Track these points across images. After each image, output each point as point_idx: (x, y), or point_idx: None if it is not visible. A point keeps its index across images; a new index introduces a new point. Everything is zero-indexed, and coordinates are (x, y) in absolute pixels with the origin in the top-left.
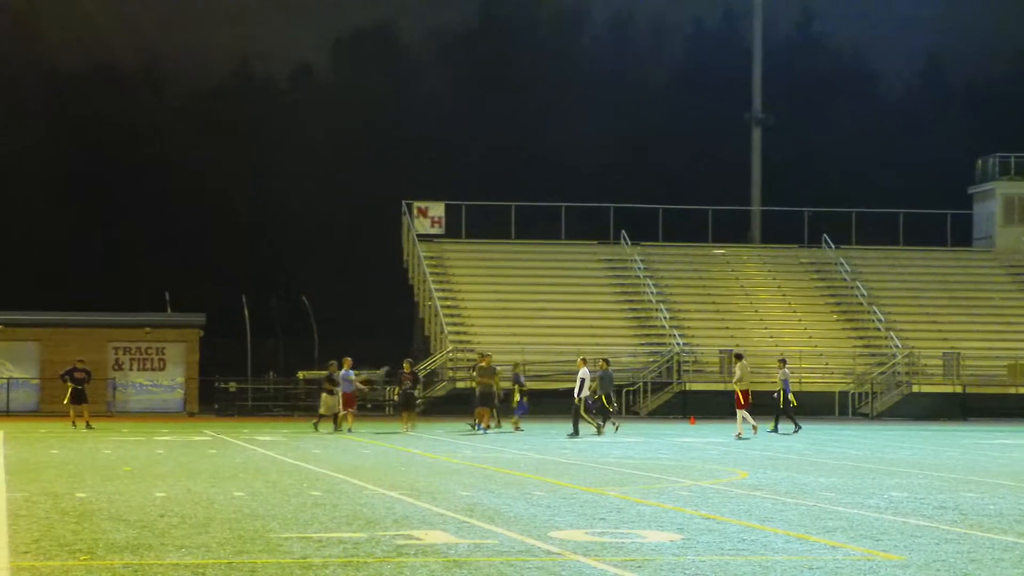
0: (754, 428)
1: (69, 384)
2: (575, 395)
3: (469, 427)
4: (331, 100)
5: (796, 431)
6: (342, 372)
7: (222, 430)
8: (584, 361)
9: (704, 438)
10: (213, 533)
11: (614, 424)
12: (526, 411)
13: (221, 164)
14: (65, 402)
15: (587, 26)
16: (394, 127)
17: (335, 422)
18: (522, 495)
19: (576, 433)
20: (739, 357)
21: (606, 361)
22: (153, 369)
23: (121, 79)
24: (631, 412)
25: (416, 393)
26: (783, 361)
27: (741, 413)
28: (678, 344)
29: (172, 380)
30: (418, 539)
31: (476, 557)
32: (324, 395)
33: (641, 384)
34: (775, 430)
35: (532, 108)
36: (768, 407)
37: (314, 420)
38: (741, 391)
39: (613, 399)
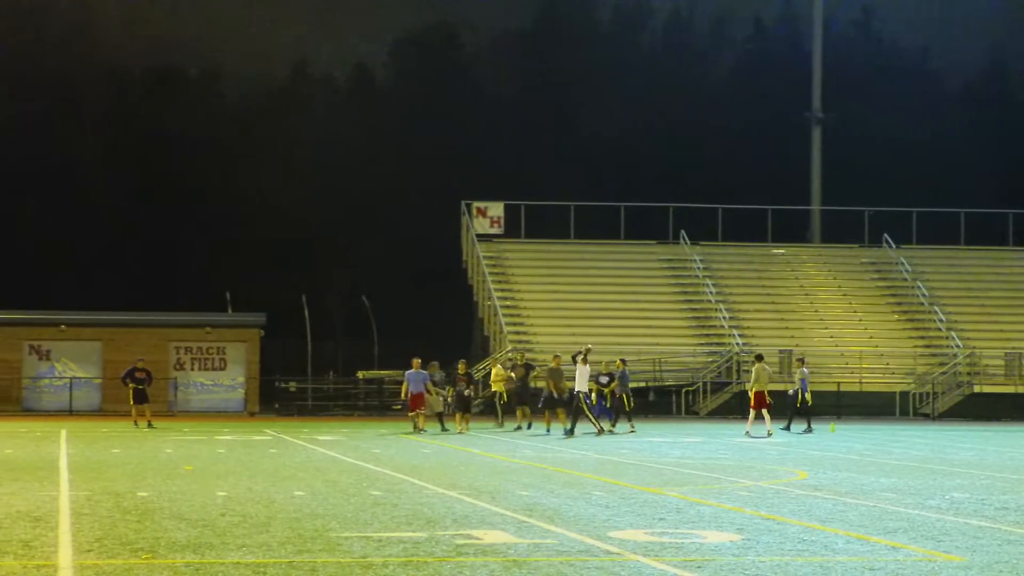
0: (769, 432)
1: (131, 385)
2: (575, 393)
3: (514, 428)
4: (390, 100)
5: (806, 431)
6: (409, 372)
7: (282, 430)
8: (582, 360)
9: (762, 438)
10: (274, 532)
11: (631, 424)
12: (603, 412)
13: (280, 164)
14: (131, 402)
15: (646, 25)
16: (453, 127)
17: (440, 421)
18: (582, 495)
19: (571, 432)
20: (759, 358)
21: (623, 361)
22: (214, 369)
23: (181, 80)
24: (690, 412)
25: (470, 394)
26: (801, 360)
27: (758, 413)
28: (737, 344)
29: (233, 380)
30: (478, 539)
31: (535, 557)
32: (428, 396)
33: (700, 384)
34: (788, 428)
35: (591, 108)
36: (786, 406)
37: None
38: (756, 392)
39: (631, 398)
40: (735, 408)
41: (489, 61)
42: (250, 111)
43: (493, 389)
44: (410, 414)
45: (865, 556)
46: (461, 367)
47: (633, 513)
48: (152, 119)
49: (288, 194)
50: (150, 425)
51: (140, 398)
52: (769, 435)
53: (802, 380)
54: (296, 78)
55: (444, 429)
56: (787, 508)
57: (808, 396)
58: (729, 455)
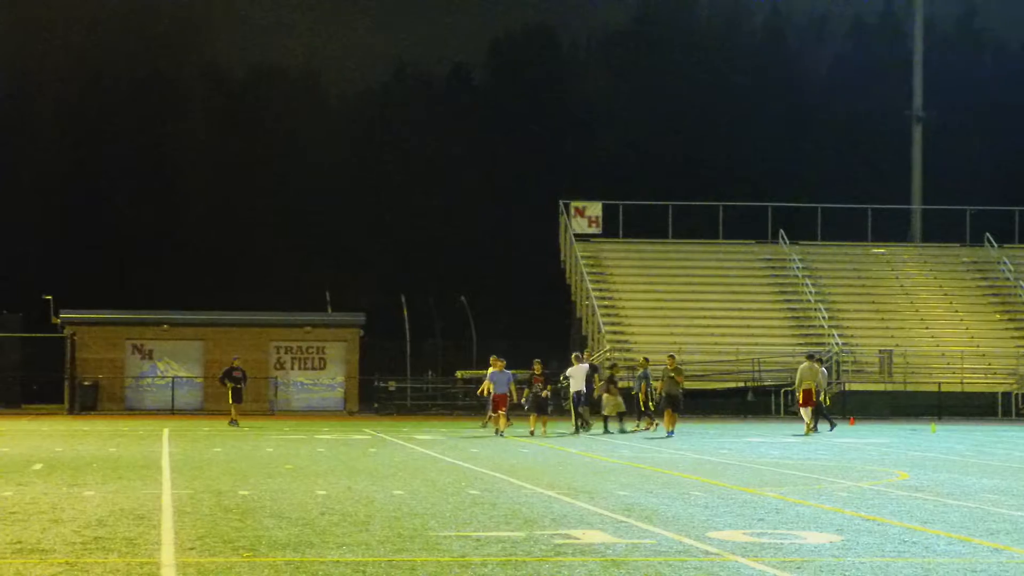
0: (807, 430)
1: (229, 384)
2: (571, 392)
3: (619, 429)
4: (489, 100)
5: (831, 429)
6: (492, 372)
7: (381, 429)
8: (578, 359)
9: (863, 439)
10: (373, 531)
11: (653, 423)
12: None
13: (380, 165)
14: (230, 401)
15: (745, 24)
16: (551, 127)
17: (620, 421)
18: (680, 495)
19: (585, 427)
20: (810, 357)
21: (646, 359)
22: (314, 368)
23: (281, 80)
24: (789, 412)
25: (547, 395)
26: (820, 360)
27: (807, 411)
28: (837, 344)
29: (332, 379)
30: (576, 538)
31: (634, 557)
32: (605, 396)
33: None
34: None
35: (689, 107)
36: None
37: (601, 420)
38: (804, 390)
39: (652, 396)
40: (834, 409)
41: (587, 61)
42: (349, 111)
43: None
44: (491, 414)
45: (967, 558)
46: (537, 367)
47: (732, 513)
48: (252, 119)
49: (386, 194)
50: (235, 423)
51: (236, 397)
52: (806, 433)
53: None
54: (395, 79)
55: (608, 431)
56: (887, 509)
57: (825, 397)
58: (828, 455)
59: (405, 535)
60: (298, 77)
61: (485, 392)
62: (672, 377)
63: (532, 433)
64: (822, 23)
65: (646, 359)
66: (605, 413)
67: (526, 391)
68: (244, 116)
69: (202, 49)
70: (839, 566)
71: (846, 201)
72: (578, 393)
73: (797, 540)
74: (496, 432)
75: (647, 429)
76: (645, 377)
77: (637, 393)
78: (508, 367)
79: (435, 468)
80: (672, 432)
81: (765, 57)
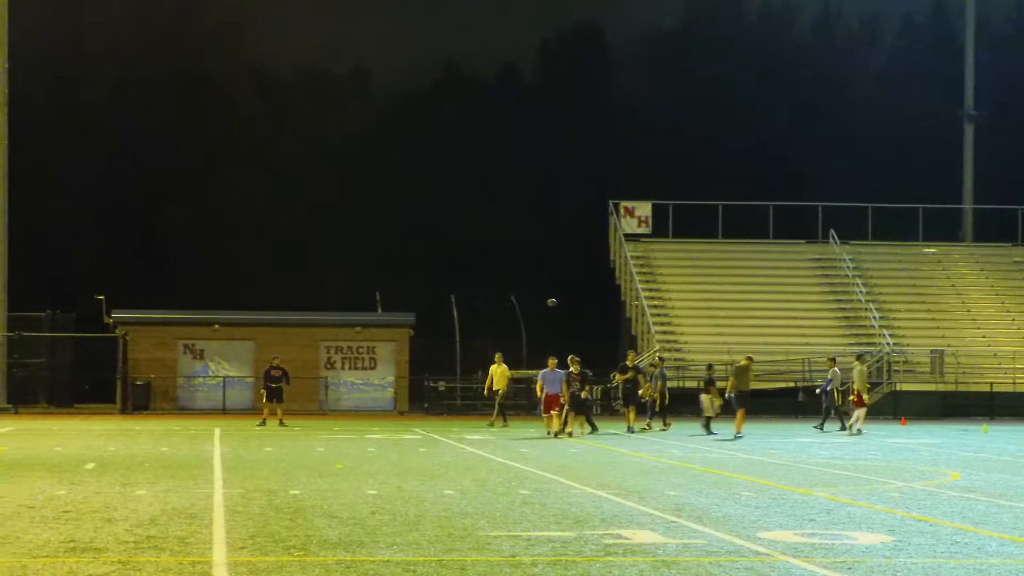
0: (859, 430)
1: (269, 385)
2: (569, 393)
3: (626, 430)
4: (538, 100)
5: (841, 430)
6: (544, 372)
7: (431, 428)
8: (573, 360)
9: (915, 439)
10: (423, 531)
11: (665, 423)
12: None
13: (429, 165)
14: (263, 401)
15: (794, 23)
16: (601, 127)
17: (707, 422)
18: (730, 495)
19: (594, 428)
20: (859, 357)
21: (661, 359)
22: (364, 368)
23: (330, 81)
24: (841, 412)
25: (585, 395)
26: (833, 359)
27: (860, 411)
28: (888, 344)
29: (382, 379)
30: (626, 539)
31: (684, 557)
32: (704, 396)
33: (850, 384)
34: (821, 428)
35: (738, 107)
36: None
37: (701, 422)
38: (857, 391)
39: (667, 396)
40: (886, 408)
41: (636, 60)
42: (397, 110)
43: (495, 388)
44: (544, 415)
45: (1020, 559)
46: (574, 366)
47: (782, 514)
48: (299, 118)
49: (435, 194)
50: (280, 422)
51: (274, 396)
52: (858, 432)
53: (828, 380)
54: (444, 78)
55: (710, 432)
56: (939, 510)
57: (838, 396)
58: (879, 456)
59: (455, 535)
60: (345, 76)
61: (538, 392)
62: (742, 377)
63: (571, 434)
64: (872, 22)
65: (661, 358)
66: (707, 414)
67: (564, 389)
68: (291, 115)
69: (248, 48)
70: (890, 567)
71: (897, 200)
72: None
73: (848, 541)
74: (548, 433)
75: (663, 429)
76: (661, 376)
77: (654, 393)
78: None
79: (485, 468)
80: (740, 434)
81: (815, 56)
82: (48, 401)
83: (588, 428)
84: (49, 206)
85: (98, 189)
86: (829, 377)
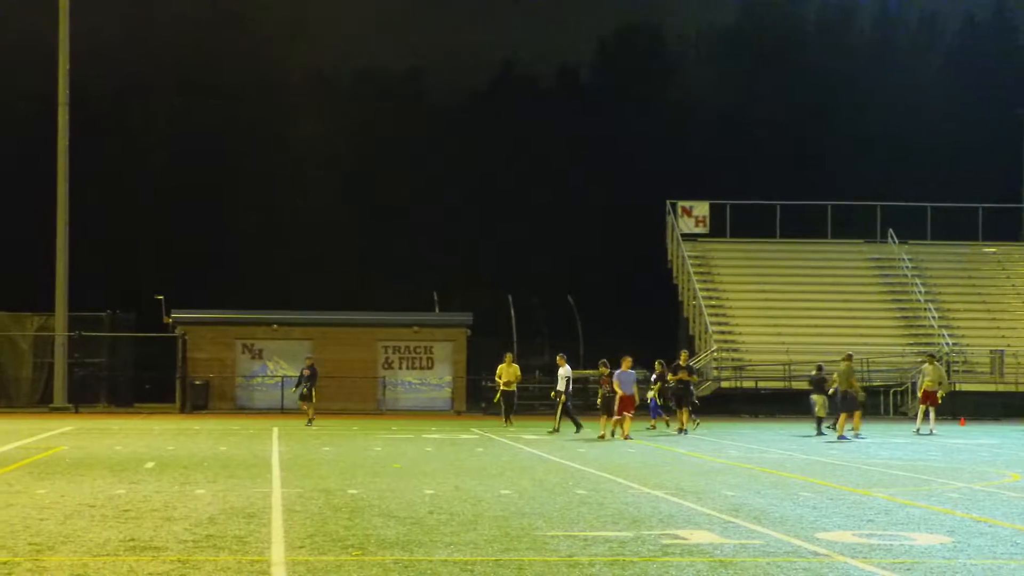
0: (917, 430)
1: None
2: (561, 392)
3: (677, 431)
4: (595, 100)
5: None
6: (619, 372)
7: (489, 428)
8: (563, 359)
9: (974, 439)
10: (481, 530)
11: (668, 423)
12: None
13: (486, 166)
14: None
15: (852, 22)
16: (658, 126)
17: (825, 424)
18: (788, 496)
19: (578, 427)
20: (931, 356)
21: (661, 363)
22: (421, 368)
23: (385, 80)
24: (899, 413)
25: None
26: (849, 357)
27: (926, 407)
28: (947, 344)
29: (440, 379)
30: (684, 539)
31: (742, 558)
32: (816, 396)
33: (909, 384)
34: (833, 427)
35: (796, 106)
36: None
37: (813, 423)
38: (927, 389)
39: (667, 396)
40: (945, 409)
41: (693, 59)
42: (453, 111)
43: (502, 388)
44: (616, 417)
45: None
46: (602, 368)
47: (841, 514)
48: (355, 119)
49: (492, 194)
50: (310, 423)
51: (302, 396)
52: (931, 432)
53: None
54: (501, 79)
55: (821, 432)
56: (999, 511)
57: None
58: (939, 456)
59: (513, 534)
60: (402, 78)
61: (615, 391)
62: (847, 377)
63: (602, 437)
64: (932, 20)
65: (661, 362)
66: (818, 415)
67: (600, 391)
68: (347, 116)
69: (305, 51)
70: (950, 568)
71: (956, 200)
72: (568, 394)
73: (907, 541)
74: (611, 435)
75: (671, 427)
76: (661, 379)
77: (654, 395)
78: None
79: (542, 468)
80: (860, 434)
81: (874, 55)
82: (108, 401)
83: (610, 429)
84: (110, 206)
85: (158, 189)
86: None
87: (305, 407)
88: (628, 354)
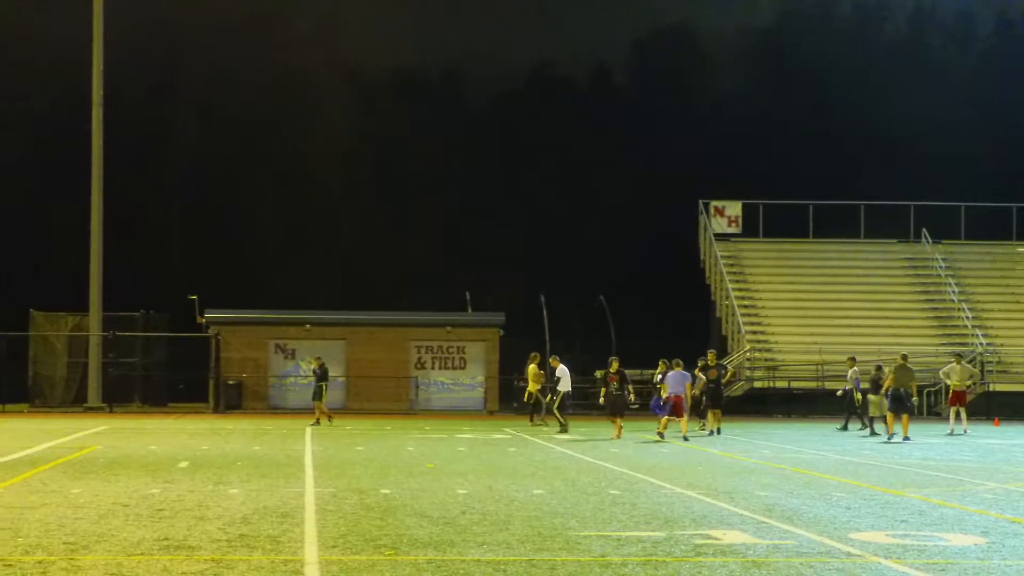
0: (952, 430)
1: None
2: (552, 392)
3: (707, 433)
4: (629, 99)
5: (863, 429)
6: (670, 373)
7: (521, 428)
8: (557, 360)
9: (1009, 440)
10: (513, 530)
11: (702, 425)
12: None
13: (519, 164)
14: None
15: (887, 21)
16: (691, 126)
17: (883, 424)
18: (821, 496)
19: (565, 428)
20: (959, 356)
21: (665, 362)
22: (454, 368)
23: (421, 82)
24: (932, 413)
25: (625, 395)
26: (853, 359)
27: (956, 409)
28: (981, 344)
29: (472, 379)
30: (716, 539)
31: (775, 558)
32: (872, 396)
33: (942, 385)
34: (845, 428)
35: (829, 105)
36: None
37: (862, 423)
38: (956, 390)
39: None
40: (978, 409)
41: (727, 58)
42: (489, 111)
43: (529, 389)
44: (665, 419)
45: None
46: (613, 365)
47: (874, 515)
48: (390, 120)
49: (525, 194)
50: (318, 423)
51: (313, 394)
52: (964, 432)
53: (856, 380)
54: (536, 79)
55: (874, 433)
56: None
57: (859, 396)
58: (973, 457)
59: (545, 534)
60: (437, 78)
61: (663, 394)
62: (903, 375)
63: (613, 438)
64: (967, 19)
65: (664, 362)
66: (872, 415)
67: (603, 390)
68: (381, 117)
69: (339, 50)
70: (984, 569)
71: (990, 199)
72: (567, 394)
73: (941, 542)
74: (660, 436)
75: (702, 429)
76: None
77: (695, 391)
78: (631, 368)
79: (575, 468)
80: (908, 437)
81: (908, 54)
82: (142, 400)
83: (618, 432)
84: (144, 206)
85: (191, 189)
86: (853, 377)
87: (320, 407)
88: (661, 355)
